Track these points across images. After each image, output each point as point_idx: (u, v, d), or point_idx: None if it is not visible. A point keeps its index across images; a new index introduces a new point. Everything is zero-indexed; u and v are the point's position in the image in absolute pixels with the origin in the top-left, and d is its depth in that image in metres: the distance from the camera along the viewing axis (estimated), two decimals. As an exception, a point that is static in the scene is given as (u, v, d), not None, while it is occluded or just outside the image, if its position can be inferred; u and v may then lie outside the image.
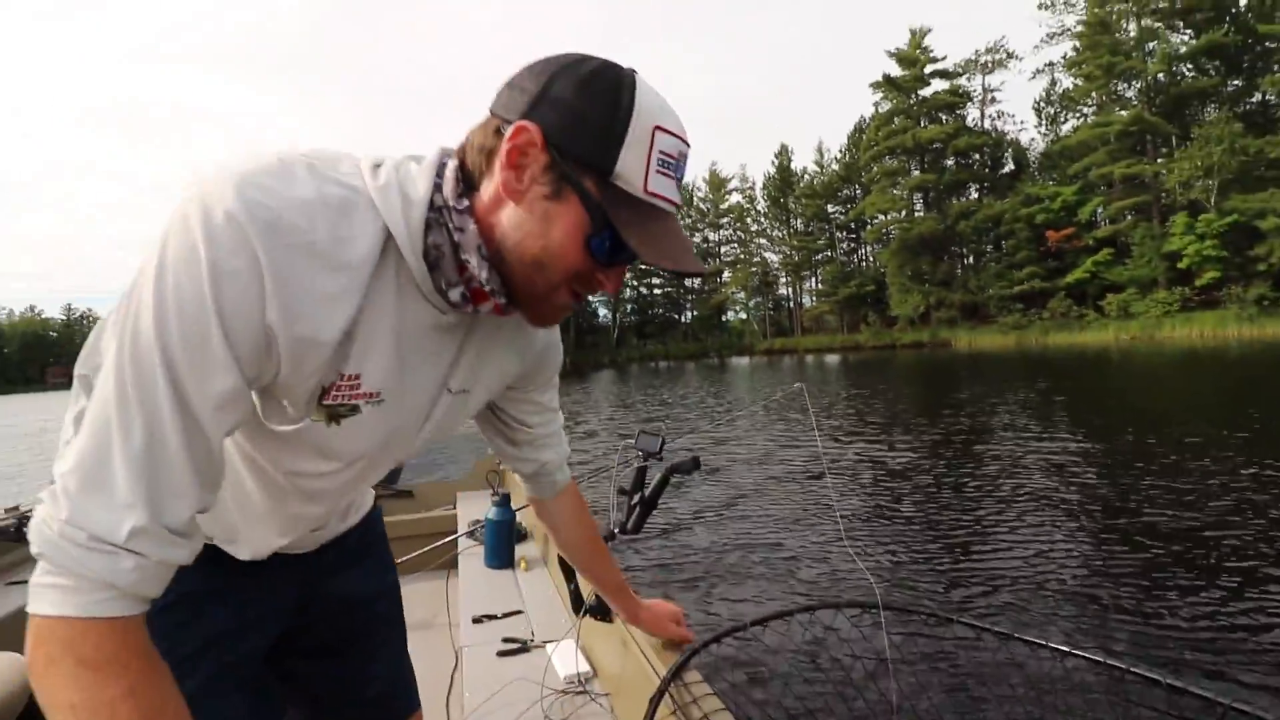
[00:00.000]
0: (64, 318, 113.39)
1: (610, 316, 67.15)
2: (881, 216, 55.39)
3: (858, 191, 60.24)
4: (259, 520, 0.79)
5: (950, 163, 52.43)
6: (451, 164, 0.64)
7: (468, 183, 0.64)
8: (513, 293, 0.66)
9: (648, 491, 1.67)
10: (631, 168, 0.59)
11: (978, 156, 53.07)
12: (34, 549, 0.53)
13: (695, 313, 69.52)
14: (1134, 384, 14.71)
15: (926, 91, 51.94)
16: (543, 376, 0.91)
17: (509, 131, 0.60)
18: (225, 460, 0.61)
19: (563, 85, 0.59)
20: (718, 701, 1.07)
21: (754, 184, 68.30)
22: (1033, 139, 57.06)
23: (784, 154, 64.75)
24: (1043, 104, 52.37)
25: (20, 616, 2.03)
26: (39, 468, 12.71)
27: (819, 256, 63.26)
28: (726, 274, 67.81)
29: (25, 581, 2.09)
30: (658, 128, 0.60)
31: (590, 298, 0.68)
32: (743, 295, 66.69)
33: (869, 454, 8.31)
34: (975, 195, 53.09)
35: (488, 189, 0.63)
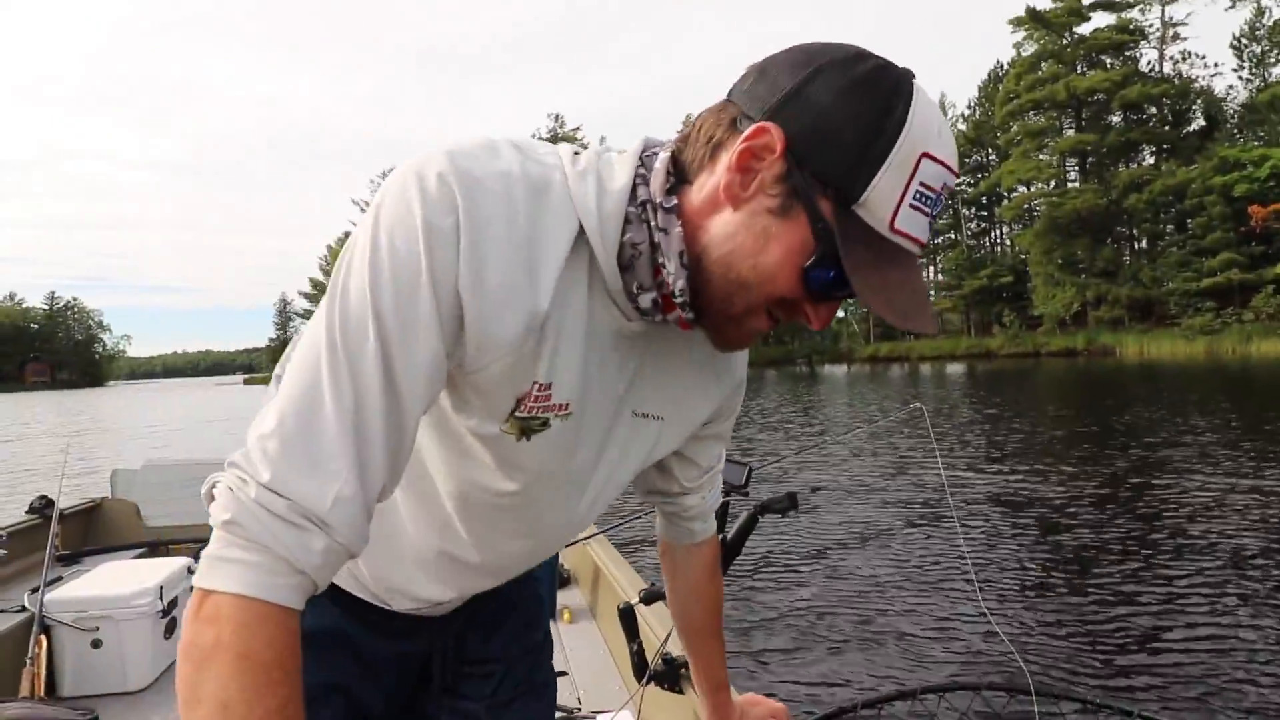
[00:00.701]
0: (46, 307, 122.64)
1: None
2: (1023, 188, 53.33)
3: (991, 158, 58.29)
4: (410, 561, 0.86)
5: (1116, 119, 50.04)
6: (663, 155, 0.68)
7: (680, 176, 0.68)
8: (703, 306, 0.68)
9: (731, 533, 1.68)
10: (882, 198, 0.61)
11: (1154, 110, 50.45)
12: (219, 517, 0.58)
13: (779, 309, 68.77)
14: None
15: (1085, 28, 49.80)
16: (730, 409, 0.96)
17: (748, 130, 0.62)
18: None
19: (824, 86, 0.61)
20: None
21: (857, 148, 67.32)
22: (1231, 86, 53.70)
23: (896, 110, 63.60)
24: (1245, 40, 49.52)
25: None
26: (11, 477, 13.52)
27: (940, 239, 61.51)
28: (819, 261, 66.79)
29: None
30: (925, 155, 0.61)
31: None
32: (840, 288, 65.51)
33: (1007, 494, 8.00)
34: (1150, 160, 50.45)
35: (704, 186, 0.66)
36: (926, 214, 0.63)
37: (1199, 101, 50.55)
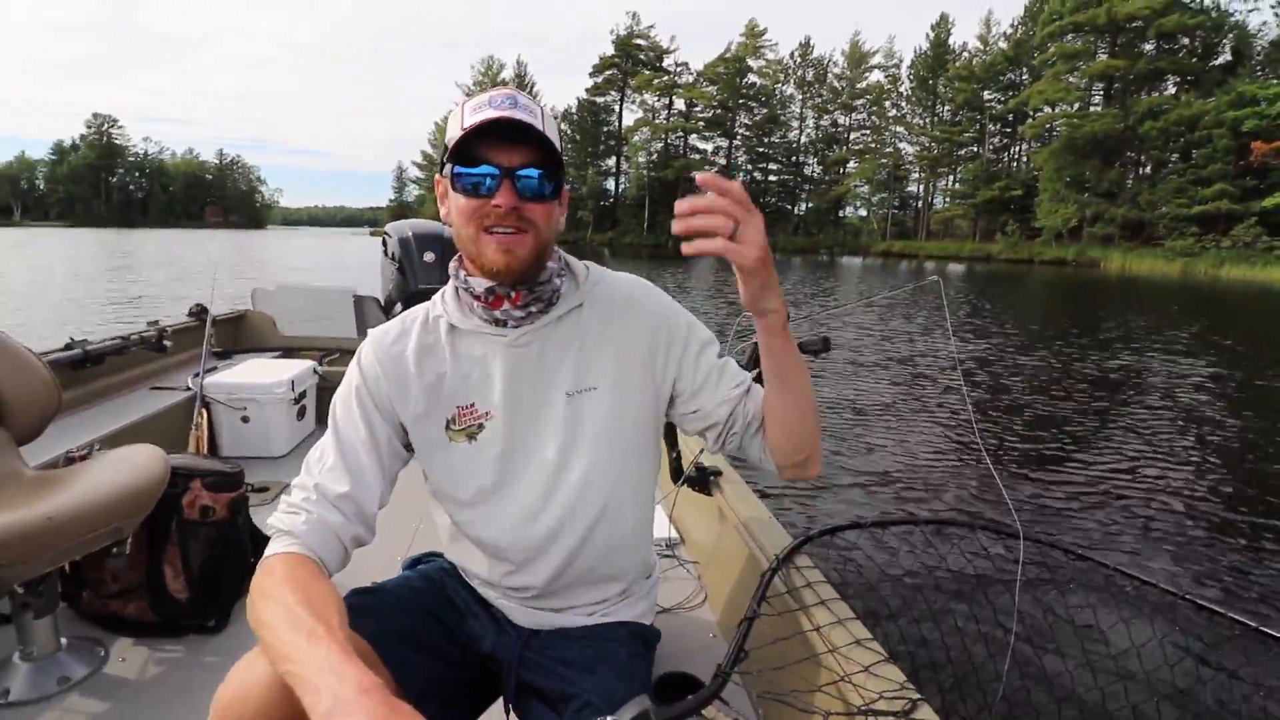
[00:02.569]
0: (217, 161, 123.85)
1: (720, 201, 64.24)
2: (1048, 109, 48.02)
3: (1024, 77, 52.31)
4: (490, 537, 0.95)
5: (1150, 47, 43.89)
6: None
7: None
8: (485, 276, 0.85)
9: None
10: (453, 130, 0.81)
11: (1186, 41, 43.86)
12: None
13: (810, 205, 65.37)
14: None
15: (1138, -47, 42.57)
16: (676, 350, 0.93)
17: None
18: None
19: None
20: (829, 587, 1.10)
21: (900, 61, 60.94)
22: (1264, 23, 46.18)
23: (943, 25, 56.87)
24: (1294, -25, 41.73)
25: (159, 416, 2.40)
26: (180, 292, 14.10)
27: (963, 151, 56.65)
28: (852, 164, 62.54)
29: (165, 388, 2.81)
30: (464, 103, 0.83)
31: (513, 221, 0.81)
32: (866, 189, 61.63)
33: (1007, 369, 7.81)
34: (1172, 90, 44.60)
35: None
36: (489, 109, 0.79)
37: (1231, 36, 43.66)
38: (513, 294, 0.86)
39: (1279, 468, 4.66)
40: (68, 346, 2.45)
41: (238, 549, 1.60)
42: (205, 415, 2.58)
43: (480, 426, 0.90)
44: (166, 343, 2.95)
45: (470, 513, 0.94)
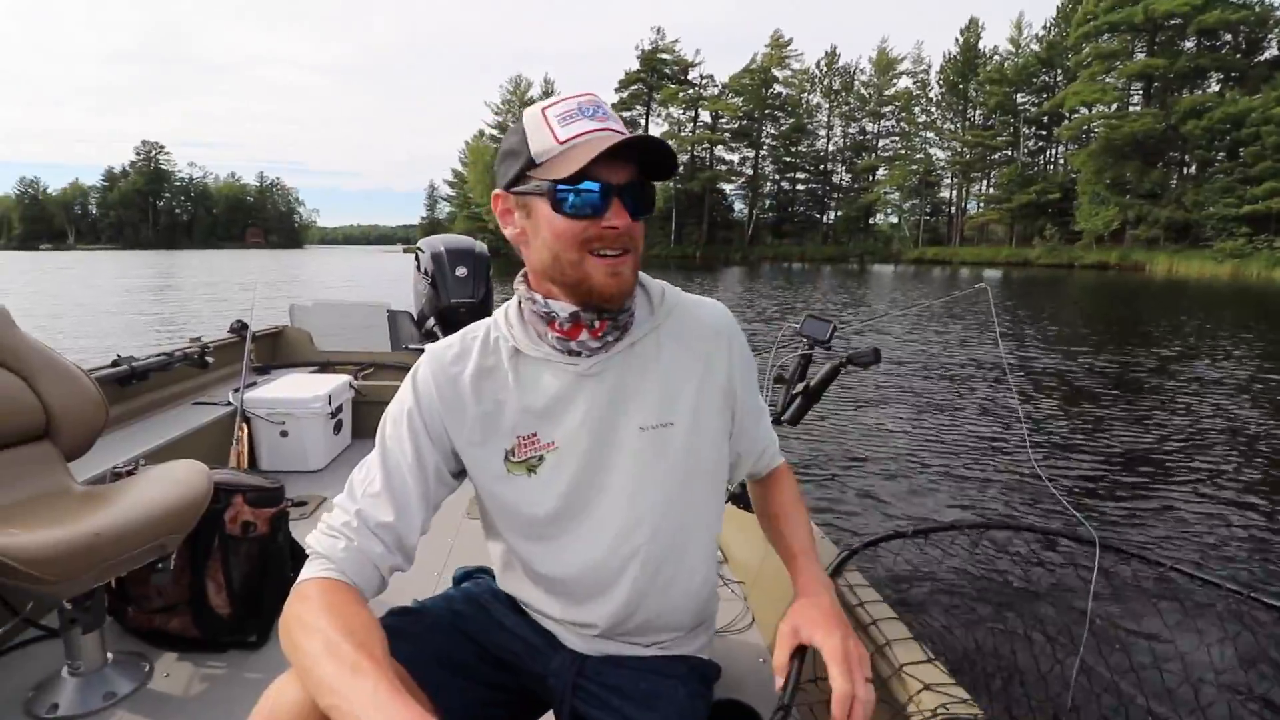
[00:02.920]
0: (257, 184, 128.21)
1: (746, 211, 64.38)
2: (1085, 110, 46.91)
3: (1059, 79, 51.25)
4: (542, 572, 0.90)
5: (1190, 44, 42.60)
6: (521, 272, 0.86)
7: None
8: (577, 301, 0.79)
9: (813, 381, 1.57)
10: (542, 143, 0.74)
11: (1229, 38, 42.48)
12: None
13: (840, 213, 64.71)
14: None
15: (1175, -51, 41.48)
16: (749, 384, 0.93)
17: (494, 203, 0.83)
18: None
19: (500, 153, 0.80)
20: (884, 605, 1.05)
21: (929, 66, 60.30)
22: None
23: (972, 28, 56.03)
24: (1344, -36, 40.30)
25: (202, 431, 2.45)
26: (220, 311, 14.53)
27: (996, 156, 55.62)
28: (882, 171, 61.85)
29: (207, 403, 2.84)
30: (543, 111, 0.76)
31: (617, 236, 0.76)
32: (897, 196, 60.79)
33: (1056, 377, 7.58)
34: (1216, 88, 43.19)
35: (523, 255, 0.82)
36: (583, 117, 0.74)
37: (1277, 30, 42.18)
38: (596, 323, 0.80)
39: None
40: (114, 363, 2.50)
41: (278, 564, 1.60)
42: (245, 430, 2.62)
43: (541, 459, 0.84)
44: (209, 359, 3.01)
45: (526, 547, 0.89)
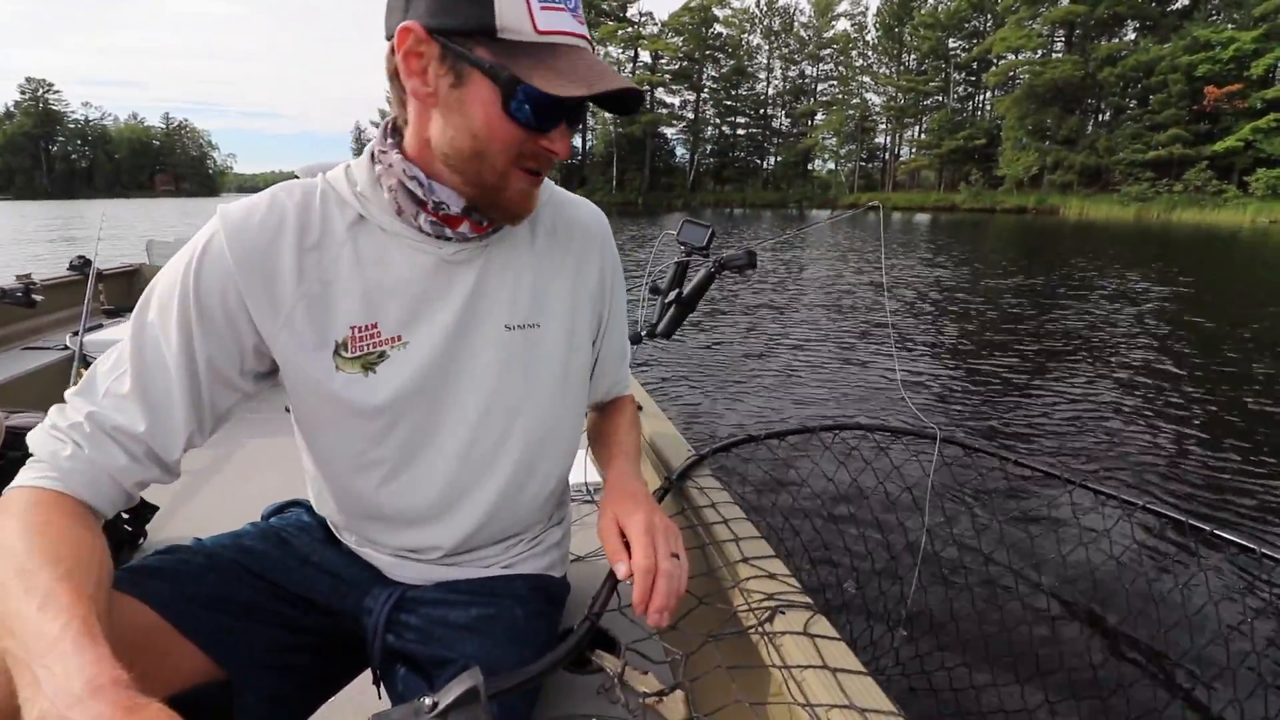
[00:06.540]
0: (164, 126, 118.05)
1: (687, 157, 64.06)
2: (1011, 56, 48.28)
3: (989, 25, 52.28)
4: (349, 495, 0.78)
5: (1110, -9, 44.06)
6: (383, 123, 0.69)
7: (399, 132, 0.68)
8: (475, 198, 0.67)
9: (686, 289, 1.48)
10: (512, 13, 0.58)
11: (1148, -15, 44.19)
12: None
13: (779, 158, 65.23)
14: (1271, 272, 13.10)
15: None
16: (619, 291, 0.87)
17: (394, 40, 0.60)
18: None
19: None
20: (732, 505, 1.00)
21: (866, 9, 60.31)
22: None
23: (908, -28, 56.08)
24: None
25: (32, 377, 2.21)
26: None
27: (928, 101, 56.81)
28: (820, 115, 62.33)
29: (38, 347, 2.59)
30: None
31: (556, 161, 0.67)
32: (834, 141, 61.63)
33: (940, 299, 7.91)
34: (1132, 36, 45.09)
35: (411, 113, 0.65)
36: (563, 8, 0.60)
37: (1189, -21, 44.05)
38: (485, 222, 0.70)
39: (1221, 393, 4.80)
40: None
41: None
42: (83, 376, 2.61)
43: (382, 355, 0.69)
44: (36, 297, 2.66)
45: (356, 465, 0.74)
